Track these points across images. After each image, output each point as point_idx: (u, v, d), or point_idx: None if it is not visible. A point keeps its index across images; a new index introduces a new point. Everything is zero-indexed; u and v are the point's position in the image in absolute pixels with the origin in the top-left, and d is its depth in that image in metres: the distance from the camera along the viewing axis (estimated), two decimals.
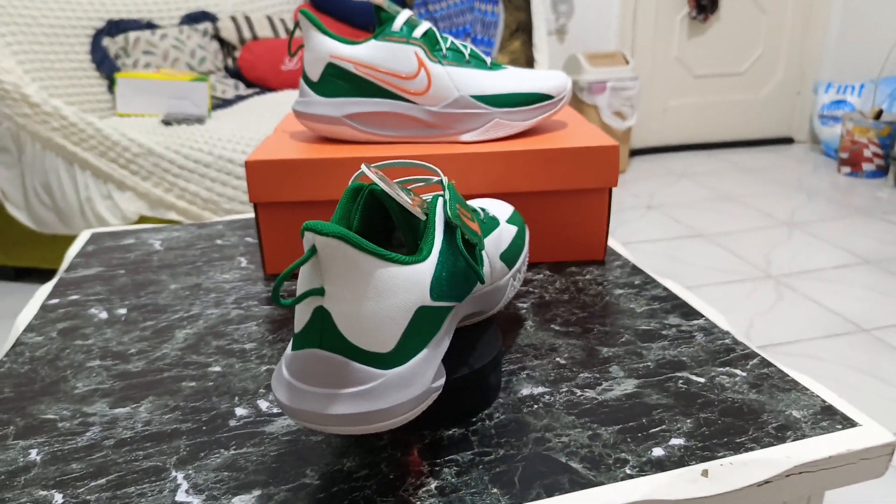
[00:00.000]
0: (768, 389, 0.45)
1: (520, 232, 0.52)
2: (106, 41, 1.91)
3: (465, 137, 0.65)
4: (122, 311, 0.58)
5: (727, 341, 0.51)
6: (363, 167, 0.35)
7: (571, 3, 2.88)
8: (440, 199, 0.39)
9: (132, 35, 1.96)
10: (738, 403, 0.43)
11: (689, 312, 0.56)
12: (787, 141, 3.37)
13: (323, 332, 0.32)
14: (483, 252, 0.44)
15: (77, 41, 1.83)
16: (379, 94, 0.64)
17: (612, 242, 0.71)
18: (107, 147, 1.50)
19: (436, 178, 0.43)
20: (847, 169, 2.79)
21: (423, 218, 0.37)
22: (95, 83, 1.86)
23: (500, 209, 0.53)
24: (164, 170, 1.52)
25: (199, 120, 1.70)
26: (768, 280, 1.82)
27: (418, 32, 0.63)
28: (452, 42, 0.66)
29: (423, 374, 0.35)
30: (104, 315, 0.58)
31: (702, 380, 0.46)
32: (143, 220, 1.60)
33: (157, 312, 0.58)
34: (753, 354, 0.49)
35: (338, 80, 0.64)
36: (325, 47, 0.63)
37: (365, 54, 0.63)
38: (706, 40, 3.11)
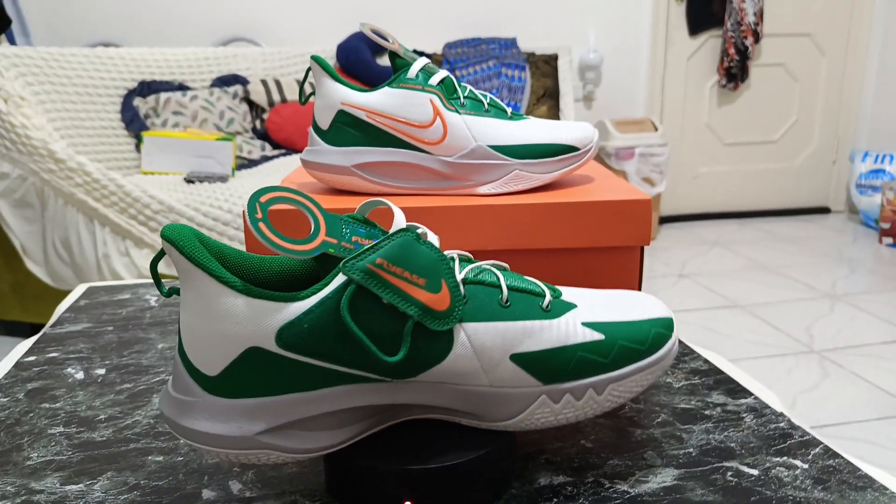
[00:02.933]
0: (837, 486, 0.37)
1: (605, 346, 0.36)
2: (137, 101, 1.95)
3: (483, 190, 0.60)
4: (101, 371, 0.53)
5: (782, 425, 0.43)
6: (246, 206, 0.32)
7: (599, 70, 2.89)
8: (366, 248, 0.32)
9: (163, 96, 1.99)
10: (801, 503, 0.36)
11: (736, 389, 0.48)
12: (824, 210, 3.27)
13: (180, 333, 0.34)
14: (456, 333, 0.34)
15: (109, 100, 1.87)
16: (391, 143, 0.60)
17: None
18: (127, 203, 1.49)
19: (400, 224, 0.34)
20: (889, 240, 2.68)
21: (298, 258, 0.34)
22: (124, 141, 1.88)
23: (612, 306, 0.38)
24: None
25: (223, 179, 1.70)
26: (811, 355, 1.71)
27: (435, 80, 0.59)
28: (471, 91, 0.62)
29: (245, 420, 0.33)
30: (80, 375, 0.52)
31: (755, 472, 0.38)
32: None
33: (138, 374, 0.52)
34: (815, 442, 0.41)
35: (348, 129, 0.60)
36: (337, 94, 0.60)
37: (377, 101, 0.59)
38: (737, 108, 3.09)
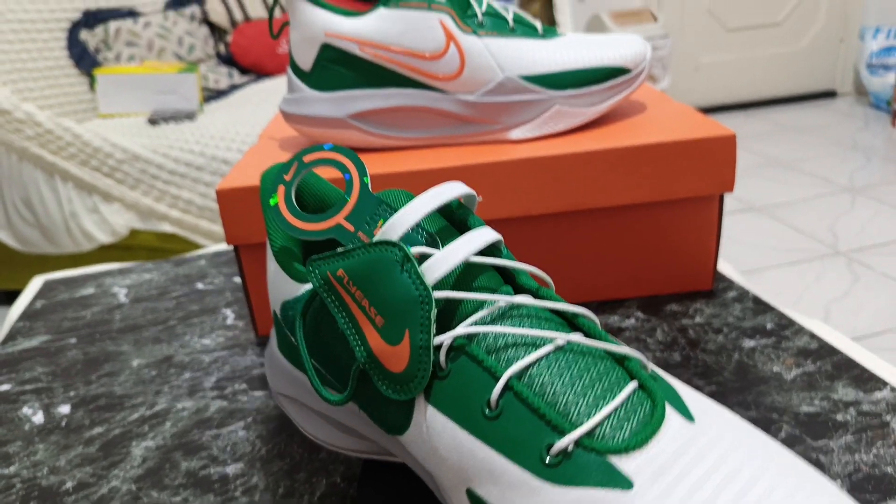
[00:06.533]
0: None
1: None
2: (84, 34, 1.74)
3: (516, 134, 0.48)
4: (65, 408, 0.43)
5: None
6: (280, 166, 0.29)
7: None
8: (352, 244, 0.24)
9: (112, 25, 1.78)
10: None
11: (863, 376, 0.39)
12: (829, 94, 3.12)
13: None
14: (417, 408, 0.23)
15: (52, 36, 1.66)
16: (393, 82, 0.47)
17: (720, 263, 0.53)
18: (88, 154, 1.34)
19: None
20: None
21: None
22: (75, 82, 1.69)
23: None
24: (152, 176, 1.36)
25: (190, 116, 1.53)
26: (838, 257, 1.63)
27: None
28: (489, 5, 0.48)
29: (279, 382, 0.31)
30: (39, 417, 0.42)
31: None
32: (134, 233, 1.45)
33: (111, 410, 0.42)
34: None
35: (337, 68, 0.48)
36: (318, 23, 0.46)
37: (372, 29, 0.46)
38: None
